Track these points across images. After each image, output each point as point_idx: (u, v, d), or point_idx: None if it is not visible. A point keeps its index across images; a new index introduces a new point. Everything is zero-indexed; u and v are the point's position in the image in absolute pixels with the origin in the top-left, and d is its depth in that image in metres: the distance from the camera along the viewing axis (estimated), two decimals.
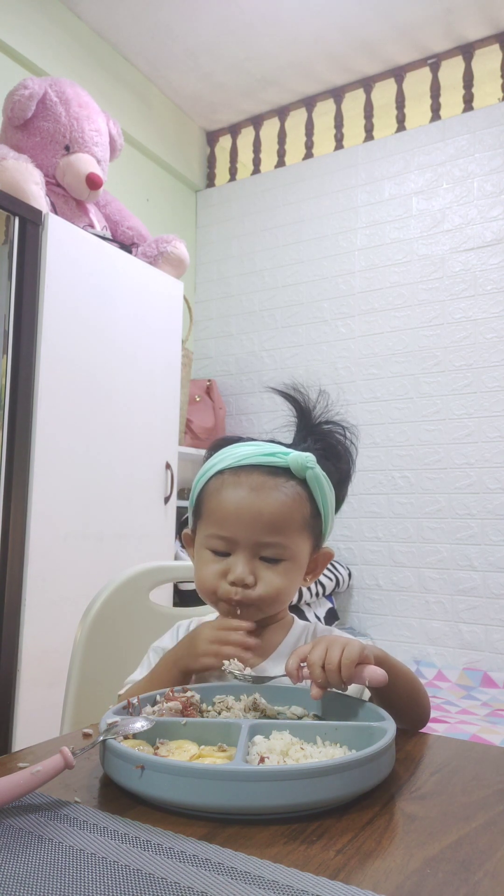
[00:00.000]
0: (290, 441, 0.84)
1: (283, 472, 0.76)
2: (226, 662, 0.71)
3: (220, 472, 0.77)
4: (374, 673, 0.64)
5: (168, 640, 0.86)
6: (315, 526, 0.79)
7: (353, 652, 0.64)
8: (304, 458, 0.75)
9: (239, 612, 0.76)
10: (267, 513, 0.74)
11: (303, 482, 0.77)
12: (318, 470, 0.76)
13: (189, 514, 0.85)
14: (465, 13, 2.51)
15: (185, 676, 0.75)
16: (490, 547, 2.45)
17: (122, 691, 0.81)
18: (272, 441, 0.82)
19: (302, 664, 0.66)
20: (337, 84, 2.95)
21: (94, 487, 1.87)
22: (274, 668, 0.77)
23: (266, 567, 0.75)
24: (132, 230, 2.26)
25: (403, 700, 0.71)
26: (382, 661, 0.69)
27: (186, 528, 0.85)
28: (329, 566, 2.24)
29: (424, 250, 2.68)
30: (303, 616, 2.39)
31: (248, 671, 0.70)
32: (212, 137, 3.31)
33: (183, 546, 2.52)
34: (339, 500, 0.82)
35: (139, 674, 0.83)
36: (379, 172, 2.81)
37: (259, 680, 0.70)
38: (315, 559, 0.82)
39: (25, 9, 2.33)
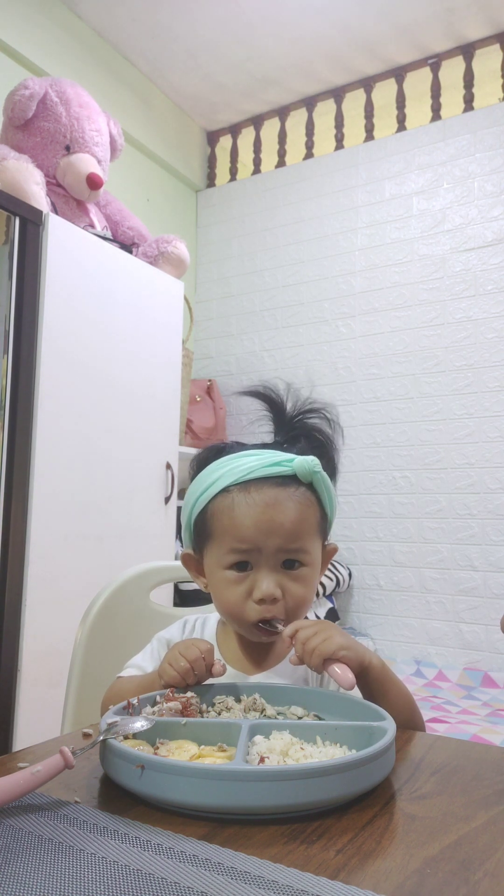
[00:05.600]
0: (272, 439, 0.82)
1: (291, 479, 0.75)
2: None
3: (226, 489, 0.75)
4: (343, 672, 0.65)
5: (175, 632, 0.86)
6: (323, 526, 0.79)
7: (327, 647, 0.66)
8: (310, 464, 0.74)
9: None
10: (288, 523, 0.73)
11: (309, 485, 0.76)
12: (323, 472, 0.76)
13: (187, 535, 0.81)
14: (465, 13, 2.51)
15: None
16: (490, 547, 2.45)
17: (122, 673, 0.82)
18: (264, 445, 0.80)
19: None
20: (337, 84, 2.95)
21: (94, 487, 1.87)
22: (278, 680, 0.77)
23: (290, 579, 0.74)
24: (132, 230, 2.26)
25: (398, 720, 0.69)
26: (369, 670, 0.69)
27: (186, 549, 0.82)
28: (329, 566, 2.24)
29: (425, 250, 2.68)
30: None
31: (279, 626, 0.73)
32: (212, 137, 3.31)
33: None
34: None
35: (141, 658, 0.83)
36: (379, 172, 2.81)
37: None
38: (321, 556, 0.81)
39: (25, 9, 2.33)
